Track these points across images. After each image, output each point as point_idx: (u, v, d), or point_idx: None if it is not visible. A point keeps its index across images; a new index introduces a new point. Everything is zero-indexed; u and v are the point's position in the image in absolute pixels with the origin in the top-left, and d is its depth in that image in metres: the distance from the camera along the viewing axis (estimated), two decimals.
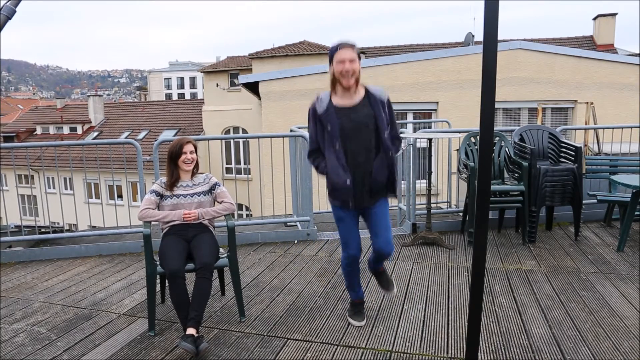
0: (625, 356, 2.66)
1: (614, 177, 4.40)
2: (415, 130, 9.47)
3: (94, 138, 27.65)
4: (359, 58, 2.82)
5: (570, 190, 4.78)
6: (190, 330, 2.82)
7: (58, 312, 3.55)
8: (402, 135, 5.39)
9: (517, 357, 2.69)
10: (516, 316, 3.19)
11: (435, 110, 10.72)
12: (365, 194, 2.90)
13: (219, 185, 3.43)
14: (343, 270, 3.16)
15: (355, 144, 2.83)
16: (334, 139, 2.82)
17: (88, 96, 32.10)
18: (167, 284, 3.61)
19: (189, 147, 3.32)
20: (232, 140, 21.60)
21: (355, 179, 2.87)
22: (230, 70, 24.10)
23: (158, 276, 3.25)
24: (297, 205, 5.56)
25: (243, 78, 11.05)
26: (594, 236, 5.00)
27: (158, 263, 3.15)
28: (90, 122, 29.95)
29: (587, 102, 9.26)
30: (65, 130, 30.64)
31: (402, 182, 5.62)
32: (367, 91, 2.87)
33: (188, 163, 3.31)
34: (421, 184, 5.65)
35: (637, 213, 4.90)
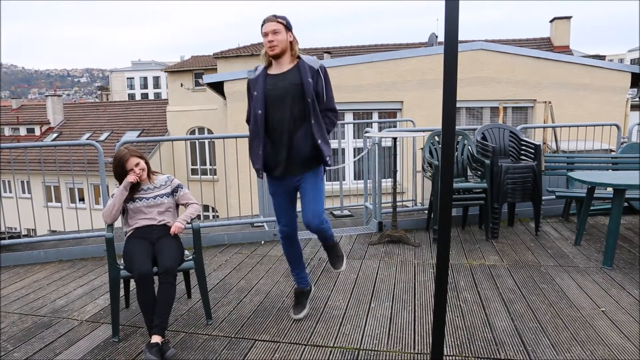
0: (582, 345, 2.77)
1: (571, 174, 4.55)
2: (380, 129, 9.57)
3: (53, 140, 26.73)
4: (289, 29, 2.86)
5: (530, 187, 4.93)
6: (155, 338, 2.75)
7: (15, 322, 3.42)
8: (367, 135, 5.47)
9: (481, 350, 2.75)
10: (480, 310, 3.26)
11: (400, 109, 10.85)
12: (288, 164, 2.89)
13: (182, 188, 3.37)
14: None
15: (280, 111, 2.84)
16: (257, 104, 2.86)
17: (46, 96, 30.99)
18: (131, 288, 3.54)
19: (132, 163, 3.19)
20: (197, 141, 21.30)
21: (277, 147, 2.87)
22: (195, 70, 23.78)
23: (122, 280, 3.17)
24: (263, 206, 5.53)
25: (207, 78, 10.90)
26: (553, 231, 5.17)
27: (122, 267, 3.08)
28: (49, 123, 28.95)
29: (545, 102, 9.58)
30: (22, 131, 29.53)
31: (368, 180, 5.67)
32: (299, 59, 2.89)
33: (139, 175, 3.22)
34: (387, 183, 5.70)
35: (592, 208, 5.09)
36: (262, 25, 2.85)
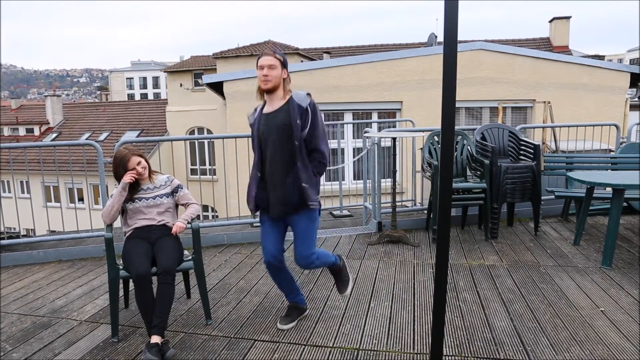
0: (581, 345, 2.77)
1: (570, 174, 4.55)
2: (379, 129, 9.57)
3: (53, 140, 26.73)
4: (284, 66, 2.87)
5: (529, 187, 4.93)
6: (155, 339, 2.75)
7: (14, 322, 3.42)
8: (366, 135, 5.47)
9: (481, 350, 2.75)
10: (479, 310, 3.27)
11: (400, 109, 10.86)
12: (278, 206, 2.89)
13: (182, 188, 3.37)
14: None
15: (271, 151, 2.86)
16: (254, 146, 2.93)
17: (46, 96, 30.99)
18: (130, 288, 3.54)
19: (134, 162, 3.20)
20: (196, 141, 21.29)
21: (269, 189, 2.90)
22: (194, 70, 23.77)
23: (121, 280, 3.17)
24: None
25: (207, 78, 10.90)
26: (553, 231, 5.17)
27: (121, 267, 3.07)
28: (49, 123, 28.95)
29: (544, 102, 9.59)
30: (22, 131, 29.54)
31: (368, 180, 5.67)
32: (290, 97, 2.88)
33: (143, 172, 3.22)
34: (386, 183, 5.71)
35: (591, 208, 5.09)
36: (259, 58, 2.86)
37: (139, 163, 3.21)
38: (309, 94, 2.91)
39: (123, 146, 3.45)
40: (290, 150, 2.82)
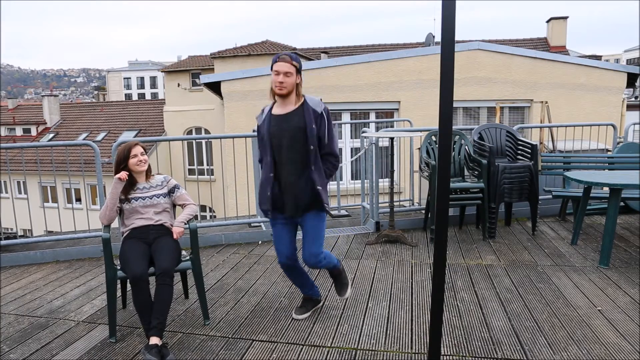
0: (579, 344, 2.77)
1: (568, 174, 4.56)
2: (377, 129, 9.57)
3: (50, 140, 26.67)
4: (299, 72, 2.88)
5: (527, 187, 4.94)
6: (154, 340, 2.74)
7: (11, 323, 3.41)
8: (364, 135, 5.47)
9: (478, 349, 2.76)
10: (477, 310, 3.27)
11: (397, 109, 10.87)
12: (291, 206, 2.94)
13: (179, 188, 3.36)
14: None
15: (284, 153, 2.88)
16: (266, 147, 2.93)
17: (43, 96, 30.91)
18: (128, 289, 3.53)
19: (138, 149, 3.23)
20: (194, 141, 21.26)
21: (282, 188, 2.93)
22: (192, 70, 23.76)
23: (119, 281, 3.17)
24: None
25: (205, 78, 10.90)
26: (550, 230, 5.18)
27: (119, 267, 3.07)
28: (46, 123, 28.88)
29: (542, 102, 9.60)
30: (18, 131, 29.47)
31: (365, 180, 5.67)
32: (304, 101, 2.91)
33: (141, 164, 3.23)
34: (384, 183, 5.71)
35: (588, 207, 5.10)
36: (275, 62, 2.84)
37: (142, 153, 3.25)
38: (321, 100, 2.95)
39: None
40: (304, 153, 2.86)
